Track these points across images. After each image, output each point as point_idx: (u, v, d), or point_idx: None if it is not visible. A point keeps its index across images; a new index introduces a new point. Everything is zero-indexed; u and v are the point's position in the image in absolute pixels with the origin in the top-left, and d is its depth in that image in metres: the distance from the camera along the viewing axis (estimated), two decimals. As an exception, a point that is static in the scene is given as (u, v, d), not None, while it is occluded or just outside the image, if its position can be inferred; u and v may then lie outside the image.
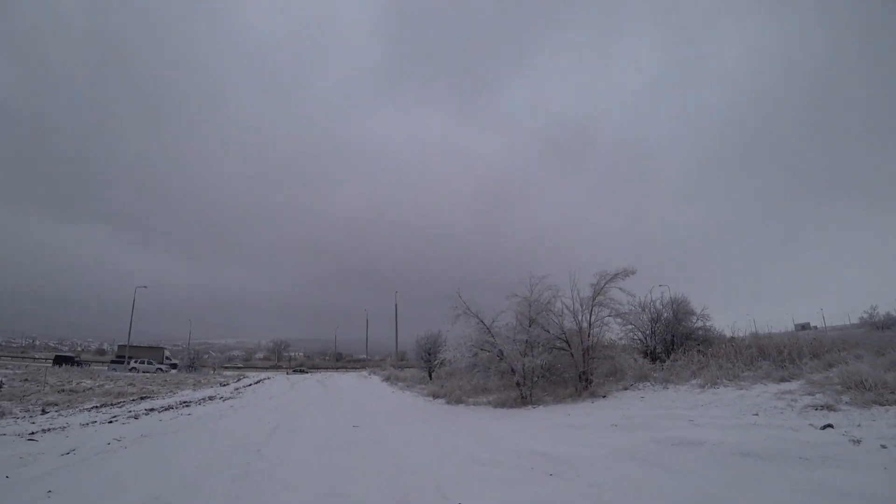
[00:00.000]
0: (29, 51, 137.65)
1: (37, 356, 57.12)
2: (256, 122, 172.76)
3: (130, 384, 23.19)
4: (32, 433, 10.18)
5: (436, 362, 23.05)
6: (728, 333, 17.66)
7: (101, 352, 75.12)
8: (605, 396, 13.15)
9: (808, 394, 8.58)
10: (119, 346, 58.10)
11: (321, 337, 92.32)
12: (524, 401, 14.53)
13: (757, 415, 8.00)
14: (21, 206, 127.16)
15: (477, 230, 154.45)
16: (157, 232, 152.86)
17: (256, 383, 31.99)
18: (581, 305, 15.43)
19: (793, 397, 8.64)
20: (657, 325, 18.14)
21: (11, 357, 53.09)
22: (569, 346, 15.11)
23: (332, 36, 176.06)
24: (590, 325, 15.25)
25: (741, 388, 10.55)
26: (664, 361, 15.28)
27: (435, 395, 19.40)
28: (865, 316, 24.79)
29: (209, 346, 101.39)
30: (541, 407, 13.53)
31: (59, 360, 45.82)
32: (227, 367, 58.96)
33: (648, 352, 17.14)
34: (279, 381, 35.13)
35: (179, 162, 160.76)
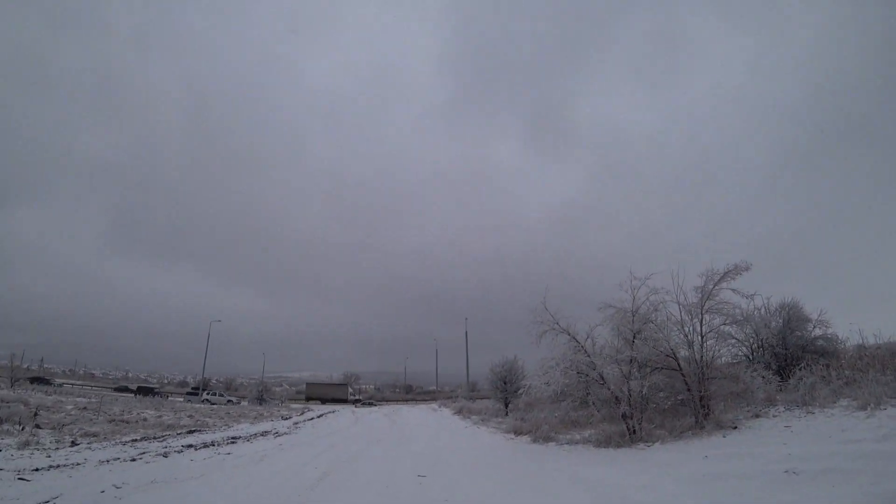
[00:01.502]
0: (135, 117, 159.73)
1: (128, 387, 60.17)
2: (333, 169, 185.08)
3: (189, 416, 21.98)
4: (36, 469, 8.40)
5: (519, 391, 19.61)
6: (854, 341, 14.59)
7: (183, 384, 78.43)
8: (735, 427, 9.96)
9: None
10: (308, 386, 57.44)
11: (391, 369, 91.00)
12: (633, 437, 11.21)
13: None
14: (129, 254, 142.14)
15: (551, 252, 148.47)
16: (242, 274, 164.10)
17: (319, 417, 30.15)
18: (690, 314, 11.99)
19: None
20: (766, 335, 14.98)
21: (103, 388, 56.17)
22: (678, 364, 11.65)
23: (399, 81, 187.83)
24: (702, 336, 11.79)
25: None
26: (782, 379, 12.50)
27: (517, 432, 16.02)
28: None
29: (283, 379, 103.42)
30: (657, 444, 10.31)
31: (141, 391, 47.57)
32: (295, 400, 58.39)
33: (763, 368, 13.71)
34: (344, 415, 33.17)
35: (263, 210, 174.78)
